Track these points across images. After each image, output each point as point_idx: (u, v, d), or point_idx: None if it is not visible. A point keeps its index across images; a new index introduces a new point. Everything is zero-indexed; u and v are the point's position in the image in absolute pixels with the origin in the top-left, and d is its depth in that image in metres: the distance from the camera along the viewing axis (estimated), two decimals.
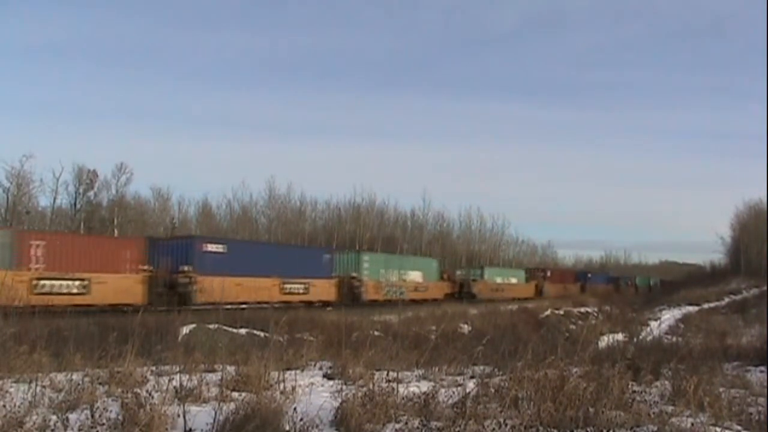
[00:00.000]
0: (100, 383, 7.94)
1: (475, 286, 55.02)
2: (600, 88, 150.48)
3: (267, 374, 8.36)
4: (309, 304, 34.01)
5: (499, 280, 61.39)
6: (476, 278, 57.05)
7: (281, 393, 7.55)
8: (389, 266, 43.79)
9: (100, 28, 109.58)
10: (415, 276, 46.24)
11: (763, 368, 12.26)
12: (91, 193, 58.44)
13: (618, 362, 9.14)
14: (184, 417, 5.96)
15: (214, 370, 9.19)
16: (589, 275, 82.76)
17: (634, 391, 7.76)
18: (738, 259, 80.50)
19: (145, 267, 28.60)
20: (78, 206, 57.27)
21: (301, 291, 35.82)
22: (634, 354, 12.38)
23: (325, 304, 35.10)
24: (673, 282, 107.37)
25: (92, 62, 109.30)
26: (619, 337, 22.84)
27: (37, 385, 7.27)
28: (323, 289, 37.45)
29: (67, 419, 5.88)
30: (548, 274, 74.25)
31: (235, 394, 7.49)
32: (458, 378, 9.77)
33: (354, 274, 40.52)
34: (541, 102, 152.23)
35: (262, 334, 16.43)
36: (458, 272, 58.49)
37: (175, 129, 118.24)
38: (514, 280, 64.75)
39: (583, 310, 44.39)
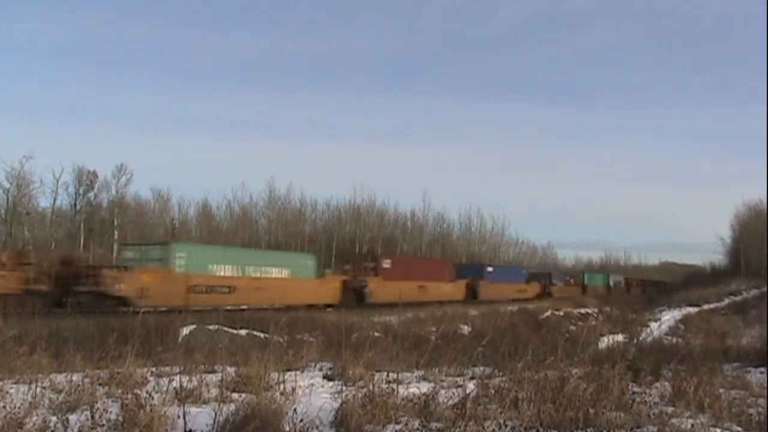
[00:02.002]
0: (100, 384, 7.94)
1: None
2: (600, 89, 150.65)
3: (267, 375, 8.36)
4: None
5: None
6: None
7: (281, 394, 7.56)
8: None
9: (100, 29, 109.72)
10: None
11: (763, 369, 12.27)
12: (91, 194, 58.51)
13: (618, 363, 9.13)
14: (184, 418, 5.96)
15: (214, 371, 9.19)
16: (490, 269, 56.80)
17: (634, 392, 7.75)
18: (738, 260, 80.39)
19: None
20: (78, 207, 57.28)
21: None
22: (634, 355, 12.39)
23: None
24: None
25: (92, 62, 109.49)
26: (619, 338, 22.89)
27: (37, 386, 7.28)
28: None
29: (67, 420, 5.88)
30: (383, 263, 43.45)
31: (235, 395, 7.50)
32: (458, 379, 9.77)
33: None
34: (541, 102, 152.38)
35: (262, 335, 16.46)
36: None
37: (175, 129, 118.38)
38: None
39: (583, 311, 44.40)
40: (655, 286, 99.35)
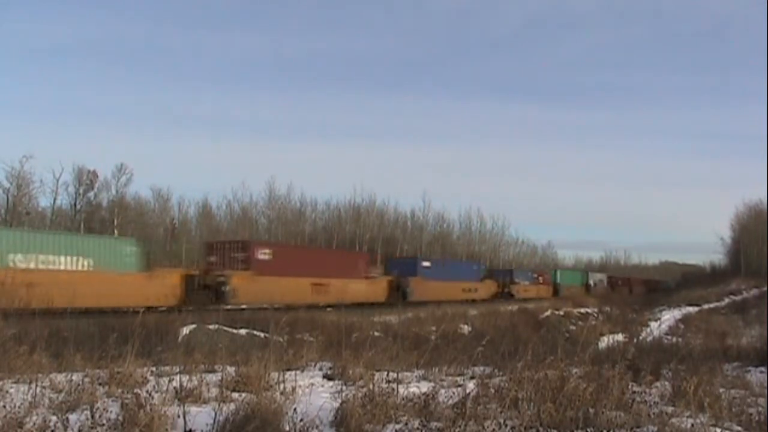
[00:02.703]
0: (100, 384, 7.94)
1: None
2: (600, 89, 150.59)
3: (267, 375, 8.36)
4: None
5: None
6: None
7: (281, 393, 7.55)
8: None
9: (100, 29, 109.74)
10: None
11: (763, 369, 12.28)
12: (91, 194, 58.52)
13: (618, 363, 9.13)
14: (184, 417, 5.96)
15: (214, 371, 9.19)
16: (426, 264, 47.74)
17: (634, 392, 7.75)
18: (738, 259, 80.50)
19: None
20: (78, 207, 57.29)
21: None
22: (634, 355, 12.38)
23: None
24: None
25: (92, 62, 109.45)
26: (619, 337, 22.89)
27: (37, 385, 7.28)
28: None
29: (67, 420, 5.88)
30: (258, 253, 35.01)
31: (235, 395, 7.49)
32: (458, 378, 9.77)
33: None
34: (541, 102, 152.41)
35: (262, 334, 16.46)
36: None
37: (175, 129, 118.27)
38: None
39: (583, 310, 44.39)
40: (645, 285, 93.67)
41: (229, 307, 27.85)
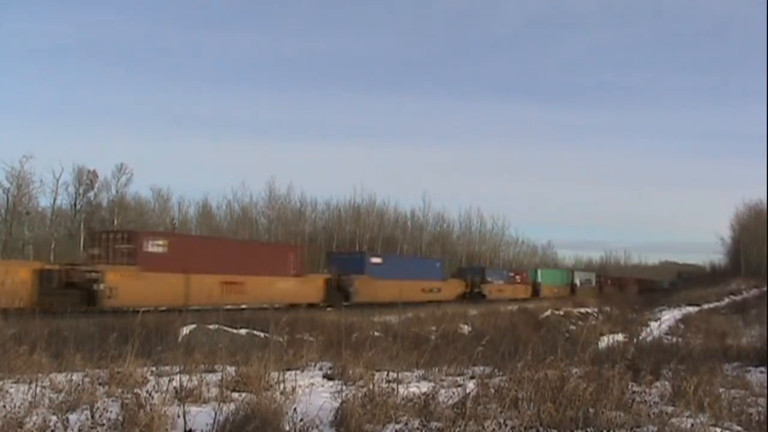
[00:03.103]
0: (100, 384, 7.94)
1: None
2: (600, 89, 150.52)
3: (267, 375, 8.36)
4: None
5: None
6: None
7: (281, 393, 7.56)
8: None
9: (100, 29, 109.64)
10: None
11: (763, 369, 12.28)
12: (91, 194, 58.49)
13: (618, 363, 9.14)
14: (184, 417, 5.96)
15: (214, 371, 9.19)
16: (376, 260, 42.10)
17: (634, 392, 7.76)
18: (738, 259, 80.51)
19: None
20: (78, 207, 57.28)
21: None
22: (634, 354, 12.38)
23: None
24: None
25: (92, 62, 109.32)
26: (619, 337, 22.89)
27: (37, 385, 7.28)
28: None
29: (67, 420, 5.88)
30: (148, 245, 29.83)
31: (235, 395, 7.49)
32: (458, 378, 9.78)
33: None
34: (541, 102, 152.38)
35: (262, 334, 16.45)
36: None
37: (175, 129, 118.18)
38: None
39: (583, 310, 44.39)
40: (639, 285, 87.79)
41: (114, 304, 23.67)
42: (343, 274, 36.76)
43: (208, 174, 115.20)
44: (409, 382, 8.76)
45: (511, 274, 60.44)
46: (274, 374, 8.45)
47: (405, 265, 45.86)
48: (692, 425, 6.43)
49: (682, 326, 33.45)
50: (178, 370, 8.51)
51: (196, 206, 69.00)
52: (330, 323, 20.18)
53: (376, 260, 41.62)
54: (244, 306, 26.97)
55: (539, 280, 63.58)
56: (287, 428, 6.02)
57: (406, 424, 6.28)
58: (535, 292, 60.47)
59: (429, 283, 44.27)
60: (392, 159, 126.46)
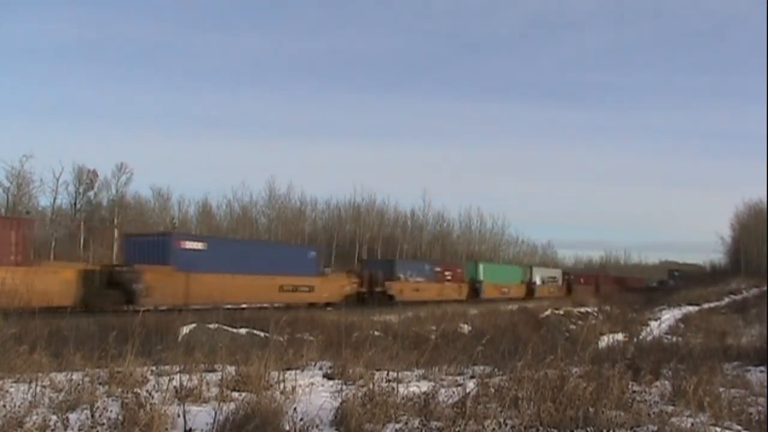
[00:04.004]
0: (100, 383, 7.94)
1: None
2: (600, 89, 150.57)
3: (267, 374, 8.36)
4: None
5: None
6: None
7: (281, 393, 7.55)
8: None
9: (100, 29, 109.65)
10: None
11: (763, 368, 12.27)
12: (91, 193, 58.66)
13: (618, 362, 9.14)
14: (184, 417, 5.95)
15: (214, 370, 9.18)
16: (188, 244, 29.14)
17: (634, 391, 7.76)
18: (738, 259, 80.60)
19: None
20: (78, 206, 57.36)
21: None
22: (634, 354, 12.40)
23: None
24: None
25: (92, 62, 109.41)
26: (619, 337, 22.89)
27: (37, 385, 7.27)
28: None
29: (67, 419, 5.88)
30: None
31: (235, 394, 7.49)
32: (458, 378, 9.77)
33: None
34: (541, 102, 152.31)
35: (262, 333, 16.45)
36: None
37: (175, 129, 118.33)
38: None
39: (583, 309, 44.43)
40: (619, 285, 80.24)
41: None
42: (136, 264, 26.09)
43: (208, 174, 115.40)
44: (409, 382, 8.76)
45: (438, 269, 47.09)
46: (274, 374, 8.44)
47: (248, 252, 32.52)
48: (692, 425, 6.43)
49: (682, 326, 33.47)
50: (178, 369, 8.51)
51: (196, 206, 69.19)
52: (330, 323, 20.19)
53: (191, 244, 28.73)
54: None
55: (480, 277, 51.02)
56: (287, 428, 6.02)
57: (406, 423, 6.28)
58: (475, 291, 49.17)
59: (294, 280, 32.44)
60: (392, 159, 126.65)
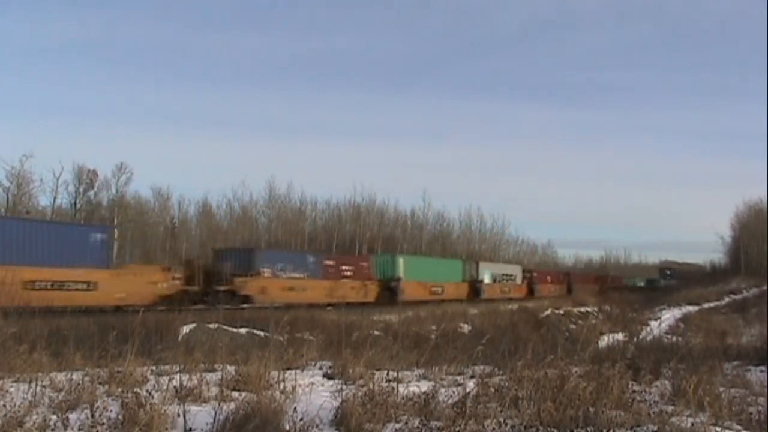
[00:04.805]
0: (100, 383, 7.93)
1: None
2: (600, 89, 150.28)
3: (267, 374, 8.35)
4: None
5: None
6: None
7: (281, 393, 7.55)
8: None
9: (100, 29, 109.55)
10: None
11: (763, 368, 12.26)
12: (91, 193, 58.53)
13: (618, 362, 9.13)
14: (184, 416, 5.96)
15: (214, 370, 9.18)
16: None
17: (634, 391, 7.75)
18: (738, 258, 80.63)
19: None
20: (78, 206, 57.28)
21: None
22: (634, 354, 12.38)
23: None
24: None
25: (92, 62, 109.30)
26: (619, 336, 22.88)
27: (37, 384, 7.27)
28: None
29: (67, 419, 5.89)
30: None
31: (235, 394, 7.49)
32: (458, 377, 9.77)
33: None
34: (541, 102, 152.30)
35: (262, 333, 16.46)
36: None
37: (175, 129, 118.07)
38: None
39: (583, 309, 44.46)
40: (596, 284, 75.57)
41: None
42: None
43: (208, 173, 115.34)
44: (409, 381, 8.76)
45: (329, 262, 36.79)
46: (274, 373, 8.44)
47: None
48: (692, 424, 6.42)
49: (682, 325, 33.47)
50: (178, 369, 8.50)
51: (196, 205, 69.01)
52: (330, 322, 20.20)
53: None
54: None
55: (399, 273, 40.19)
56: (287, 427, 6.02)
57: (406, 423, 6.28)
58: (391, 291, 38.79)
59: (62, 273, 23.90)
60: (392, 159, 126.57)
